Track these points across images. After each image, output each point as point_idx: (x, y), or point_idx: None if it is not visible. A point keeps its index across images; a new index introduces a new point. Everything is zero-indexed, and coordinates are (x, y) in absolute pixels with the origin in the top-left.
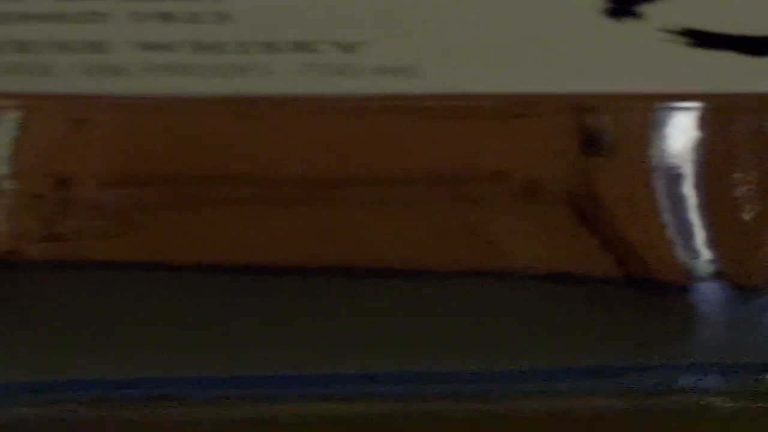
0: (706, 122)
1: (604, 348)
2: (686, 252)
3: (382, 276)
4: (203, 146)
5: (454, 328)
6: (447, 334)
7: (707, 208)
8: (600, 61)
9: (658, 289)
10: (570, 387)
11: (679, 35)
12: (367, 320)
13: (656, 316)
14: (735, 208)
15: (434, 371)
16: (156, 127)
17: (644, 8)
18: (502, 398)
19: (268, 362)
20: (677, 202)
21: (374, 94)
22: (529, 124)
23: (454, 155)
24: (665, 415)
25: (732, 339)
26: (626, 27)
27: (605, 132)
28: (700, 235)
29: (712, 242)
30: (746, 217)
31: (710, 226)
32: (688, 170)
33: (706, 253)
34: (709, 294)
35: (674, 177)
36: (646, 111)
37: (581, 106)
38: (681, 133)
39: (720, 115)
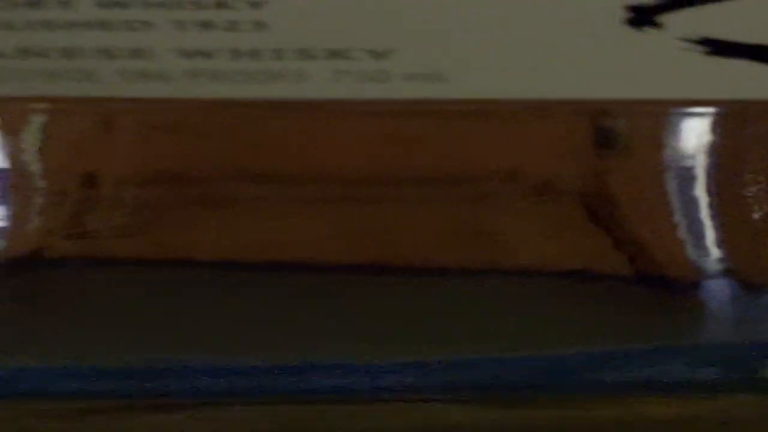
0: (718, 126)
1: (616, 345)
2: (696, 251)
3: (399, 273)
4: (230, 146)
5: (468, 326)
6: (461, 331)
7: (718, 209)
8: (621, 68)
9: (669, 286)
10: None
11: (697, 44)
12: (383, 317)
13: (667, 313)
14: (745, 209)
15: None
16: (182, 128)
17: (664, 18)
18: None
19: (294, 355)
20: (688, 202)
21: (402, 99)
22: (545, 125)
23: (470, 156)
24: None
25: (741, 336)
26: (647, 36)
27: (619, 133)
28: (710, 235)
29: (722, 241)
30: (755, 216)
31: (720, 225)
32: (699, 172)
33: (715, 252)
34: (718, 291)
35: (686, 178)
36: (660, 114)
37: (596, 108)
38: (693, 136)
39: (732, 120)
